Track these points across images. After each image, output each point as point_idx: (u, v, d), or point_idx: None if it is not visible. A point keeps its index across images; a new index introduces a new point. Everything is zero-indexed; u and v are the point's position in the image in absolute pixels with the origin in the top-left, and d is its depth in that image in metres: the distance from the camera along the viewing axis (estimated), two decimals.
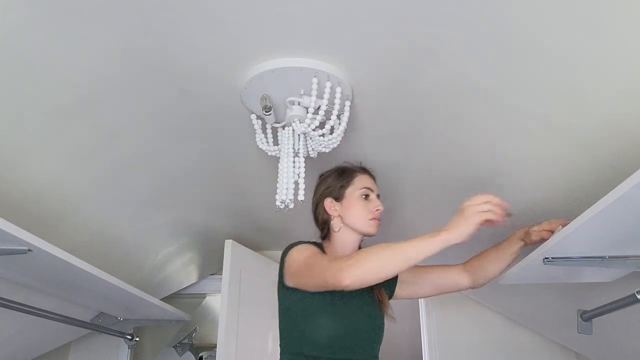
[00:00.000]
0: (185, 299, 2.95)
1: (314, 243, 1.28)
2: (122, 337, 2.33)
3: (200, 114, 1.31)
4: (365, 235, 1.29)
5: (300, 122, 1.20)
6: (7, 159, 1.21)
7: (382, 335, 1.25)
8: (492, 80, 1.05)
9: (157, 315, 2.39)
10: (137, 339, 2.41)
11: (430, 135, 1.35)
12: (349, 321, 1.16)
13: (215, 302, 3.25)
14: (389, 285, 1.36)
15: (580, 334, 1.29)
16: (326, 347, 1.12)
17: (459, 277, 1.33)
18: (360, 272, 1.00)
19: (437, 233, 1.03)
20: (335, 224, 1.29)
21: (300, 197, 1.24)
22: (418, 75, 1.09)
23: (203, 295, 3.21)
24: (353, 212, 1.27)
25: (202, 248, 2.45)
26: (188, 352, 3.03)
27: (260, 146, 1.31)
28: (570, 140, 1.14)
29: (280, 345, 1.21)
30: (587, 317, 1.27)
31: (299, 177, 1.24)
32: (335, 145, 1.28)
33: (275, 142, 1.33)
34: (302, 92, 1.17)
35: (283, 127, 1.28)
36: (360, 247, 1.32)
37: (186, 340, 3.06)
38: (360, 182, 1.31)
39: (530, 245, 1.26)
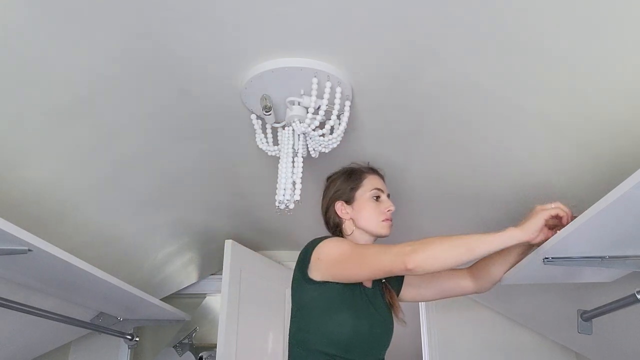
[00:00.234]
0: (185, 299, 2.95)
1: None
2: (122, 337, 2.33)
3: (200, 114, 1.31)
4: (378, 236, 1.28)
5: (300, 122, 1.20)
6: (7, 159, 1.21)
7: (391, 338, 1.25)
8: (492, 80, 1.05)
9: (157, 315, 2.39)
10: (137, 339, 2.41)
11: (430, 135, 1.35)
12: (367, 323, 1.15)
13: (215, 302, 3.25)
14: (395, 287, 1.36)
15: (580, 334, 1.29)
16: (343, 345, 1.11)
17: (464, 282, 1.33)
18: (425, 256, 1.00)
19: (503, 230, 1.04)
20: (347, 226, 1.29)
21: (296, 197, 1.23)
22: (418, 75, 1.09)
23: (203, 295, 3.21)
24: (365, 215, 1.27)
25: (202, 248, 2.45)
26: (188, 352, 3.03)
27: (260, 146, 1.31)
28: (570, 140, 1.14)
29: (292, 340, 1.19)
30: (587, 317, 1.27)
31: (296, 177, 1.23)
32: (335, 146, 1.28)
33: (275, 142, 1.33)
34: (302, 92, 1.17)
35: (283, 127, 1.28)
36: None
37: (186, 340, 3.06)
38: (370, 184, 1.30)
39: (535, 246, 1.24)
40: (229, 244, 2.14)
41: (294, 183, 1.23)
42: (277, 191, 1.22)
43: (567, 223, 1.03)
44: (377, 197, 1.29)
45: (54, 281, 1.56)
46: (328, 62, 1.09)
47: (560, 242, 1.04)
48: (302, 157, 1.25)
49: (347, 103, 1.20)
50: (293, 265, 1.27)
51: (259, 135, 1.31)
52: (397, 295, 1.36)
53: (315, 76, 1.10)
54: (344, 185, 1.31)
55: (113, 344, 2.58)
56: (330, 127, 1.26)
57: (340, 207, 1.30)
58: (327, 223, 1.35)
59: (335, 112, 1.19)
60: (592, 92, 0.98)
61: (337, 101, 1.15)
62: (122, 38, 0.99)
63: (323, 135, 1.25)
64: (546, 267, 1.15)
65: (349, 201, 1.30)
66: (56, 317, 1.65)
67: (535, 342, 2.41)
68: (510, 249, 1.27)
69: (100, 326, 2.16)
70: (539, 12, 0.84)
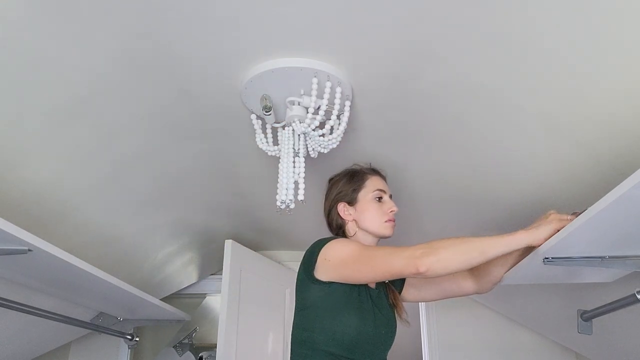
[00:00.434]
0: (185, 299, 2.95)
1: None
2: (122, 337, 2.33)
3: (200, 114, 1.31)
4: (381, 237, 1.28)
5: (300, 122, 1.20)
6: (7, 159, 1.21)
7: (394, 339, 1.25)
8: (492, 80, 1.05)
9: (157, 315, 2.39)
10: (137, 339, 2.41)
11: (430, 135, 1.35)
12: (372, 323, 1.15)
13: (215, 302, 3.25)
14: (396, 287, 1.36)
15: (580, 334, 1.29)
16: (348, 345, 1.11)
17: (465, 282, 1.33)
18: (436, 260, 1.00)
19: (514, 233, 1.05)
20: (350, 228, 1.29)
21: (300, 197, 1.23)
22: (418, 75, 1.09)
23: (203, 295, 3.21)
24: (367, 216, 1.27)
25: (202, 248, 2.45)
26: (188, 352, 3.03)
27: (260, 146, 1.31)
28: (570, 140, 1.14)
29: (295, 340, 1.18)
30: (587, 317, 1.27)
31: (299, 177, 1.24)
32: (335, 145, 1.28)
33: (275, 142, 1.33)
34: (302, 92, 1.17)
35: (283, 127, 1.28)
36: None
37: (186, 340, 3.06)
38: (372, 185, 1.30)
39: (536, 246, 1.24)
40: (229, 244, 2.14)
41: (296, 183, 1.23)
42: (278, 191, 1.22)
43: None
44: (380, 198, 1.29)
45: (54, 281, 1.56)
46: (328, 62, 1.09)
47: (560, 242, 1.04)
48: (303, 157, 1.25)
49: (347, 103, 1.20)
50: (293, 265, 1.27)
51: (259, 135, 1.31)
52: (399, 295, 1.36)
53: (315, 76, 1.10)
54: (347, 187, 1.31)
55: (113, 344, 2.58)
56: (330, 127, 1.26)
57: (342, 209, 1.30)
58: (329, 225, 1.35)
59: (335, 112, 1.19)
60: (592, 92, 0.98)
61: (337, 101, 1.15)
62: (122, 38, 0.99)
63: (323, 135, 1.25)
64: (546, 267, 1.15)
65: (351, 203, 1.30)
66: (56, 317, 1.65)
67: (535, 342, 2.41)
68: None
69: (100, 326, 2.16)
70: (539, 12, 0.84)
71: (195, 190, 1.82)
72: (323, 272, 1.15)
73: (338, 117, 1.22)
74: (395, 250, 1.07)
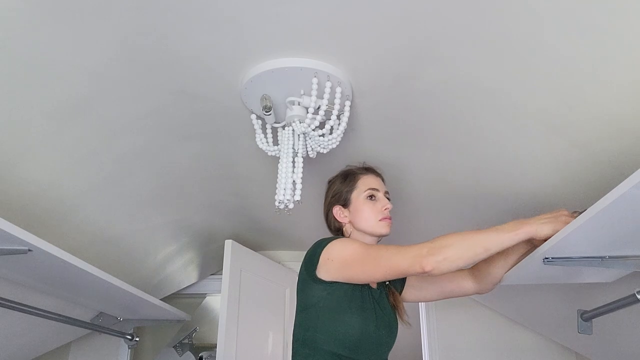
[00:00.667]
0: (185, 299, 2.95)
1: None
2: (122, 337, 2.33)
3: (200, 114, 1.31)
4: (378, 236, 1.28)
5: (300, 122, 1.20)
6: (7, 159, 1.21)
7: (395, 339, 1.25)
8: (492, 79, 1.05)
9: (157, 315, 2.39)
10: (137, 339, 2.41)
11: (430, 134, 1.35)
12: (373, 324, 1.15)
13: (215, 302, 3.25)
14: (397, 288, 1.36)
15: (580, 334, 1.28)
16: (351, 345, 1.11)
17: (465, 283, 1.33)
18: (442, 258, 1.00)
19: (519, 225, 1.03)
20: (347, 230, 1.29)
21: (297, 198, 1.23)
22: (418, 75, 1.09)
23: (203, 295, 3.21)
24: (362, 216, 1.26)
25: (202, 248, 2.45)
26: (188, 352, 3.03)
27: (260, 146, 1.31)
28: (570, 140, 1.14)
29: (297, 339, 1.18)
30: (587, 317, 1.27)
31: (297, 177, 1.23)
32: (335, 146, 1.28)
33: (275, 142, 1.33)
34: (302, 92, 1.17)
35: (283, 127, 1.28)
36: None
37: (186, 340, 3.06)
38: (364, 184, 1.30)
39: (537, 244, 1.24)
40: (229, 244, 2.14)
41: (294, 183, 1.23)
42: (277, 191, 1.22)
43: None
44: (373, 197, 1.28)
45: (54, 281, 1.56)
46: (328, 62, 1.09)
47: (560, 242, 1.04)
48: (302, 157, 1.25)
49: (347, 103, 1.20)
50: (293, 265, 1.27)
51: (259, 135, 1.31)
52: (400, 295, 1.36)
53: (315, 76, 1.10)
54: (341, 189, 1.31)
55: (113, 344, 2.58)
56: (330, 127, 1.26)
57: (337, 212, 1.30)
58: (329, 227, 1.35)
59: (335, 112, 1.19)
60: (592, 92, 0.98)
61: (337, 101, 1.15)
62: (122, 38, 0.99)
63: (323, 135, 1.25)
64: (546, 267, 1.15)
65: (345, 205, 1.30)
66: (56, 317, 1.65)
67: (535, 342, 2.41)
68: (511, 250, 1.27)
69: (100, 326, 2.16)
70: (539, 11, 0.84)
71: (195, 190, 1.82)
72: (325, 271, 1.14)
73: (338, 117, 1.22)
74: (400, 250, 1.06)
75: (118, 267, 1.96)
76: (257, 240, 2.51)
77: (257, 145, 1.31)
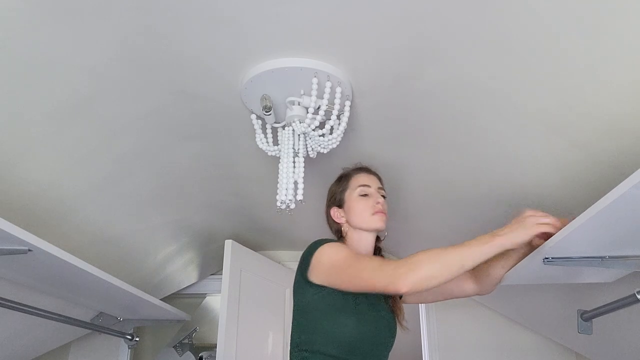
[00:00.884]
0: (185, 299, 2.95)
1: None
2: (122, 337, 2.33)
3: (200, 114, 1.31)
4: (373, 231, 1.28)
5: (300, 122, 1.20)
6: (7, 159, 1.21)
7: (394, 341, 1.25)
8: (491, 79, 1.05)
9: (157, 315, 2.39)
10: (137, 339, 2.41)
11: (430, 134, 1.35)
12: (370, 325, 1.15)
13: (215, 302, 3.25)
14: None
15: (580, 334, 1.28)
16: (346, 347, 1.11)
17: (466, 284, 1.32)
18: (418, 278, 0.99)
19: (491, 238, 1.02)
20: (345, 230, 1.30)
21: (299, 197, 1.23)
22: (418, 74, 1.09)
23: (203, 295, 3.21)
24: (355, 213, 1.27)
25: (202, 248, 2.45)
26: (188, 352, 3.03)
27: (260, 146, 1.31)
28: (570, 140, 1.14)
29: (293, 341, 1.18)
30: (587, 317, 1.27)
31: (298, 177, 1.24)
32: (335, 146, 1.28)
33: (275, 142, 1.33)
34: (302, 92, 1.17)
35: (283, 127, 1.28)
36: (377, 244, 1.32)
37: (186, 340, 3.06)
38: (355, 182, 1.30)
39: (536, 245, 1.23)
40: (229, 244, 2.14)
41: (295, 183, 1.23)
42: (278, 191, 1.22)
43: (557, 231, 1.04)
44: (365, 194, 1.29)
45: (54, 281, 1.56)
46: (328, 62, 1.09)
47: (560, 242, 1.04)
48: (303, 157, 1.25)
49: (347, 103, 1.20)
50: (293, 265, 1.27)
51: (259, 135, 1.31)
52: (400, 298, 1.35)
53: (315, 76, 1.10)
54: (335, 190, 1.33)
55: (113, 344, 2.58)
56: (330, 127, 1.26)
57: (334, 213, 1.31)
58: (330, 229, 1.36)
59: (335, 112, 1.19)
60: (592, 91, 0.98)
61: (337, 101, 1.15)
62: (122, 38, 0.99)
63: (323, 135, 1.25)
64: (546, 267, 1.15)
65: (340, 205, 1.31)
66: (56, 317, 1.65)
67: (535, 342, 2.40)
68: (511, 252, 1.26)
69: (100, 326, 2.16)
70: (539, 11, 0.84)
71: (195, 190, 1.82)
72: (316, 274, 1.14)
73: (338, 117, 1.22)
74: (381, 265, 1.05)
75: (118, 267, 1.96)
76: (257, 240, 2.51)
77: (257, 145, 1.31)
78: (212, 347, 2.86)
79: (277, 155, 1.29)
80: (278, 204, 1.21)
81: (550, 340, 2.36)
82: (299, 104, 1.19)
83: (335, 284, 1.13)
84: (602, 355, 1.96)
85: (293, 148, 1.25)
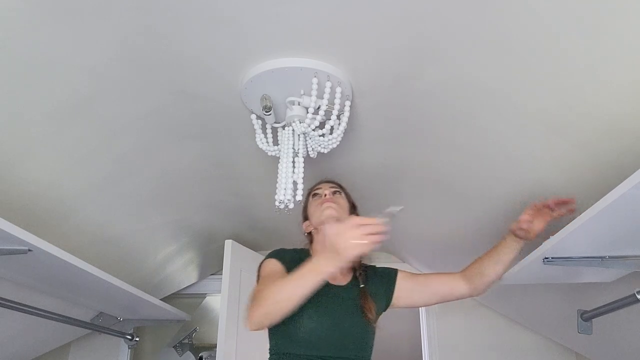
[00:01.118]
0: (185, 299, 2.95)
1: (299, 250, 1.30)
2: (122, 337, 2.33)
3: (200, 113, 1.31)
4: (330, 222, 1.24)
5: (300, 122, 1.20)
6: (7, 159, 1.21)
7: (371, 337, 1.22)
8: (492, 79, 1.05)
9: (157, 315, 2.39)
10: (137, 339, 2.41)
11: (430, 134, 1.35)
12: (333, 319, 1.16)
13: (215, 302, 3.25)
14: (386, 296, 1.33)
15: (580, 334, 1.29)
16: (311, 344, 1.13)
17: (457, 286, 1.31)
18: (257, 315, 1.03)
19: (317, 265, 1.00)
20: (314, 236, 1.34)
21: (298, 198, 1.24)
22: (418, 74, 1.09)
23: (203, 295, 3.21)
24: (311, 214, 1.33)
25: (202, 248, 2.45)
26: (188, 352, 3.03)
27: (260, 146, 1.31)
28: (570, 140, 1.14)
29: (269, 346, 1.23)
30: (587, 317, 1.27)
31: (297, 177, 1.24)
32: (335, 146, 1.28)
33: (275, 142, 1.33)
34: (302, 92, 1.17)
35: (283, 127, 1.28)
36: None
37: (186, 340, 3.06)
38: (311, 193, 1.37)
39: (529, 239, 1.22)
40: (229, 244, 2.14)
41: (295, 183, 1.23)
42: (277, 191, 1.22)
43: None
44: (315, 195, 1.35)
45: (54, 281, 1.56)
46: (328, 62, 1.09)
47: (560, 242, 1.04)
48: (303, 157, 1.25)
49: (347, 103, 1.19)
50: None
51: (259, 135, 1.31)
52: (390, 302, 1.33)
53: (315, 76, 1.10)
54: (303, 208, 1.39)
55: (113, 344, 2.58)
56: (330, 127, 1.26)
57: (305, 226, 1.36)
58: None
59: (335, 112, 1.19)
60: (592, 91, 0.98)
61: (337, 101, 1.15)
62: (122, 38, 0.99)
63: (323, 135, 1.25)
64: (546, 267, 1.16)
65: (307, 217, 1.36)
66: (56, 317, 1.65)
67: (535, 342, 2.41)
68: (501, 248, 1.25)
69: (100, 326, 2.16)
70: (539, 11, 0.84)
71: (195, 190, 1.82)
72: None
73: (338, 117, 1.22)
74: (254, 296, 1.09)
75: (118, 267, 1.96)
76: (257, 240, 2.51)
77: (257, 145, 1.31)
78: (212, 347, 2.86)
79: (277, 155, 1.29)
80: (277, 203, 1.22)
81: (550, 340, 2.36)
82: (299, 104, 1.19)
83: None
84: (602, 355, 1.96)
85: (293, 148, 1.25)
